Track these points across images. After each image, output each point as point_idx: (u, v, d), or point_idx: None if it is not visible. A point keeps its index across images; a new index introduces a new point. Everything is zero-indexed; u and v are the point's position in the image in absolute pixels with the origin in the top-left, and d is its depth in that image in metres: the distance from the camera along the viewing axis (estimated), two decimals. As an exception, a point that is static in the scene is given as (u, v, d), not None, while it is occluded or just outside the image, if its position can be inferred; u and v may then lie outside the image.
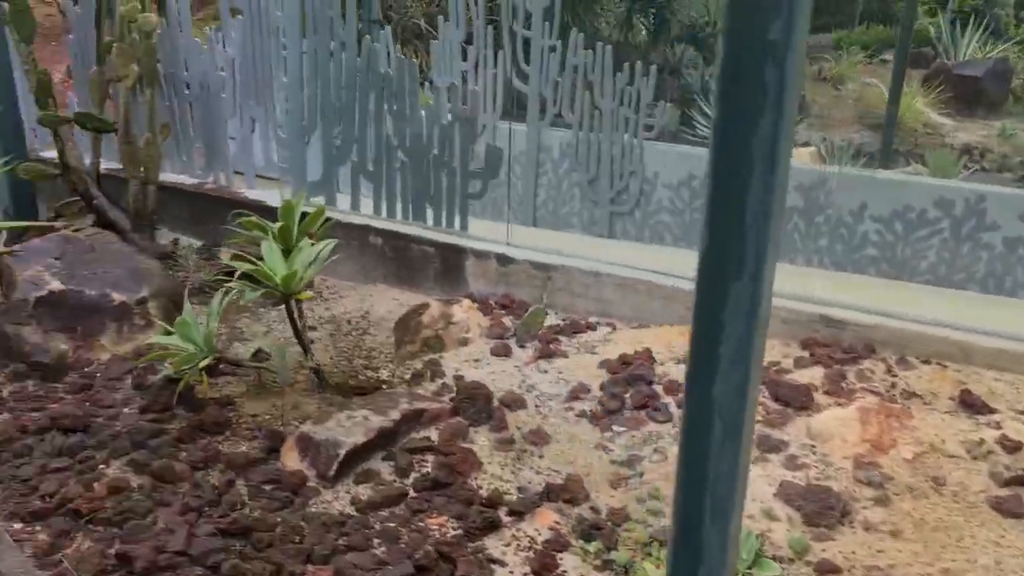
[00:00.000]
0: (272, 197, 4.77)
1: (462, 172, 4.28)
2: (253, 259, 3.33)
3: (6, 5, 4.49)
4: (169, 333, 3.69)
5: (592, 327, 3.91)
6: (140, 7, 4.31)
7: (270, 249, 3.31)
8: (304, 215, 3.59)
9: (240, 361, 3.51)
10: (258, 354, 3.72)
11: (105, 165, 4.94)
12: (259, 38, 4.61)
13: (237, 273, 3.28)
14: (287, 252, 3.39)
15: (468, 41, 6.65)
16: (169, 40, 4.84)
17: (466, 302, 3.93)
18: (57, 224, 4.78)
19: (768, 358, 3.54)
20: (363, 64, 4.38)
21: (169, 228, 5.08)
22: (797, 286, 3.93)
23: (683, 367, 3.48)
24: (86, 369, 3.67)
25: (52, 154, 5.65)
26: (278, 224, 3.39)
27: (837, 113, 10.60)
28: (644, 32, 12.44)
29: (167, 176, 5.00)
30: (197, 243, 4.94)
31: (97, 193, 4.83)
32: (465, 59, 6.62)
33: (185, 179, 5.13)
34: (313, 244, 3.38)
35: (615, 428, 3.15)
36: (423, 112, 4.29)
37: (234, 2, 4.67)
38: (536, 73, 6.59)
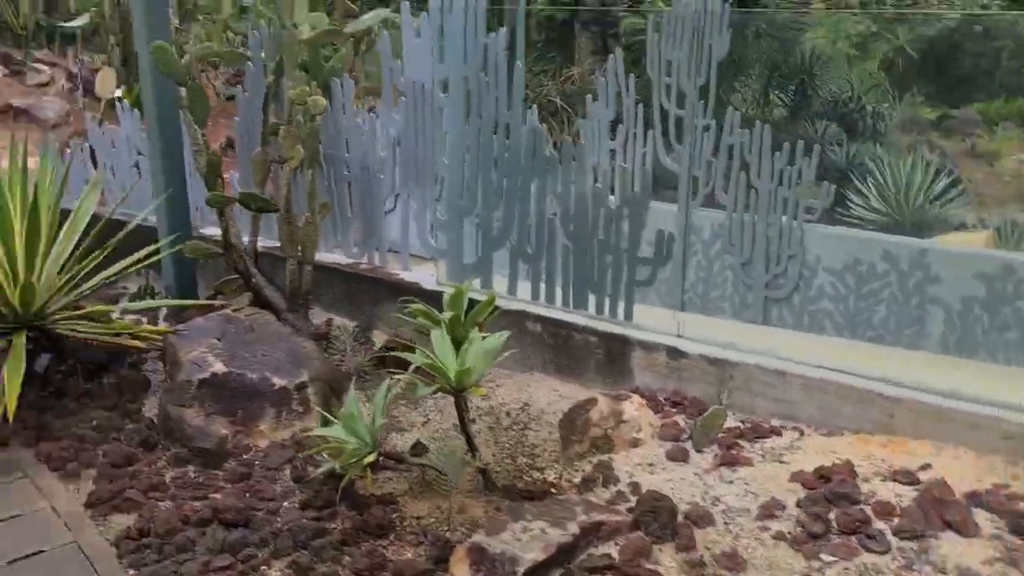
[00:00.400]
0: (427, 279, 4.68)
1: (629, 258, 4.06)
2: (423, 350, 3.16)
3: (183, 90, 4.64)
4: (327, 422, 3.58)
5: (777, 432, 3.55)
6: (309, 91, 4.35)
7: (441, 341, 3.15)
8: (471, 302, 3.43)
9: (404, 457, 3.33)
10: (417, 447, 3.54)
11: (260, 243, 4.99)
12: (421, 120, 4.58)
13: (412, 367, 3.11)
14: (456, 343, 3.22)
15: (617, 120, 6.53)
16: (332, 122, 4.88)
17: (636, 398, 3.65)
18: (217, 302, 4.83)
19: (991, 478, 3.09)
20: (527, 145, 4.26)
21: (322, 307, 5.06)
22: (1006, 391, 3.48)
23: (893, 485, 3.08)
24: (245, 456, 3.58)
25: (210, 231, 5.79)
26: (448, 314, 3.23)
27: (995, 192, 9.94)
28: (782, 107, 12.09)
29: (321, 255, 4.99)
30: (350, 323, 4.87)
31: (255, 272, 4.85)
32: (613, 138, 6.48)
33: (339, 258, 5.11)
34: (484, 336, 3.19)
35: (823, 556, 2.77)
36: (589, 194, 4.12)
37: (396, 84, 4.67)
38: (688, 152, 6.37)
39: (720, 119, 6.17)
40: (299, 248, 4.74)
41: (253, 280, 4.81)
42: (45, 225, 4.03)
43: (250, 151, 5.35)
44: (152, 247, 4.65)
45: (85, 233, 4.43)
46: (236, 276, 4.94)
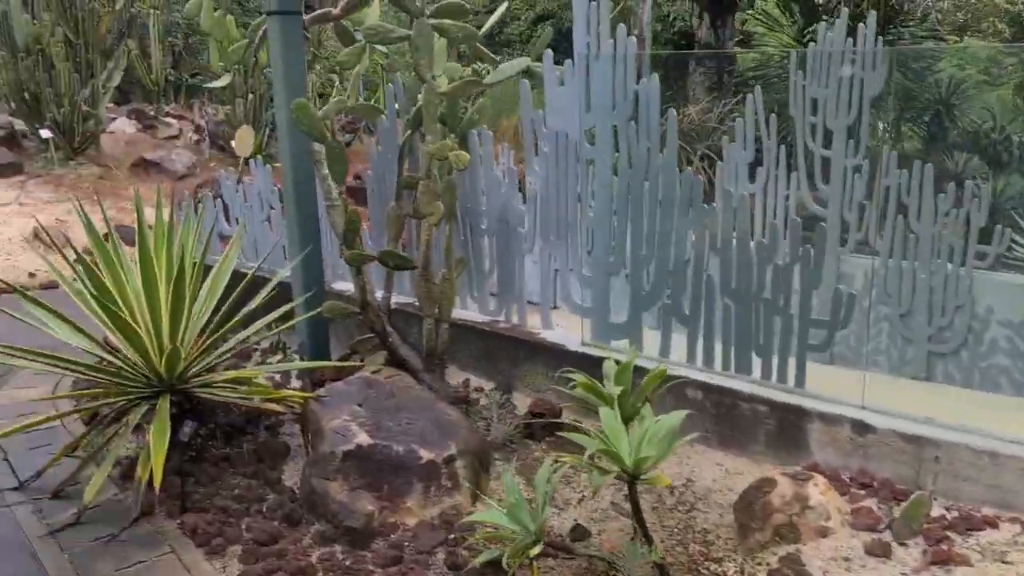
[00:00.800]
0: (571, 339, 4.41)
1: (801, 320, 3.68)
2: (591, 433, 2.88)
3: (322, 147, 4.57)
4: (476, 497, 3.34)
5: (992, 523, 3.09)
6: (451, 144, 4.19)
7: (612, 421, 2.86)
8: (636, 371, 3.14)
9: (571, 547, 3.03)
10: (577, 530, 3.25)
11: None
12: (564, 171, 4.35)
13: (588, 452, 2.83)
14: (624, 419, 2.93)
15: (756, 162, 6.16)
16: (468, 174, 4.72)
17: (820, 480, 3.25)
18: (354, 363, 4.69)
19: None
20: (682, 197, 3.96)
21: (458, 367, 4.85)
22: None
23: None
24: (393, 536, 3.35)
25: (340, 285, 5.71)
26: (616, 390, 2.95)
27: None
28: (916, 140, 11.39)
29: (456, 312, 4.80)
30: (487, 384, 4.65)
31: (391, 331, 4.70)
32: (752, 181, 6.11)
33: (474, 315, 4.91)
34: (657, 419, 2.89)
35: None
36: (753, 250, 3.78)
37: (538, 134, 4.47)
38: (837, 195, 5.95)
39: (873, 158, 5.75)
40: (436, 306, 4.57)
41: (390, 340, 4.65)
42: (190, 289, 3.97)
43: (382, 204, 5.25)
44: (287, 306, 4.55)
45: (224, 292, 4.38)
46: (371, 335, 4.80)
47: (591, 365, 4.20)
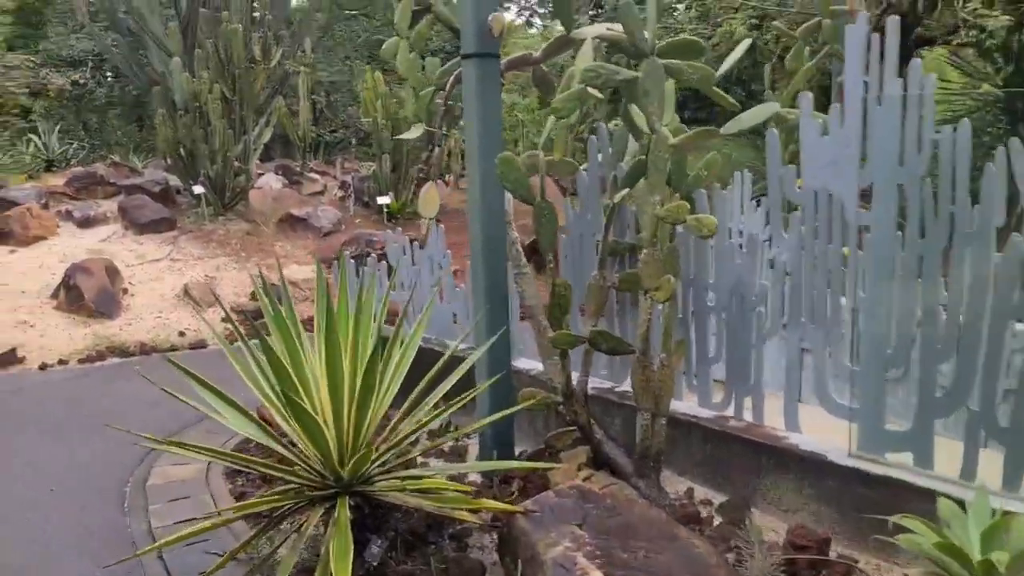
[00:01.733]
0: (831, 447, 3.53)
1: None
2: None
3: (511, 208, 3.94)
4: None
5: None
6: (687, 206, 3.45)
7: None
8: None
9: None
10: None
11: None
12: (823, 239, 3.53)
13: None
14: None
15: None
16: (692, 241, 3.97)
17: None
18: (552, 464, 3.96)
19: None
20: (1003, 276, 3.07)
21: (673, 470, 4.04)
22: None
23: None
24: None
25: (522, 364, 5.03)
26: (1000, 556, 2.07)
27: None
28: None
29: (672, 404, 4.00)
30: (716, 496, 3.81)
31: (595, 425, 3.96)
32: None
33: (696, 409, 4.10)
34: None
35: None
36: (1117, 349, 2.84)
37: (789, 192, 3.68)
38: None
39: None
40: (654, 397, 3.79)
41: (596, 437, 3.91)
42: (376, 381, 3.34)
43: (578, 273, 4.57)
44: (472, 392, 3.85)
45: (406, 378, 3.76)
46: (570, 428, 4.07)
47: (863, 484, 3.33)
